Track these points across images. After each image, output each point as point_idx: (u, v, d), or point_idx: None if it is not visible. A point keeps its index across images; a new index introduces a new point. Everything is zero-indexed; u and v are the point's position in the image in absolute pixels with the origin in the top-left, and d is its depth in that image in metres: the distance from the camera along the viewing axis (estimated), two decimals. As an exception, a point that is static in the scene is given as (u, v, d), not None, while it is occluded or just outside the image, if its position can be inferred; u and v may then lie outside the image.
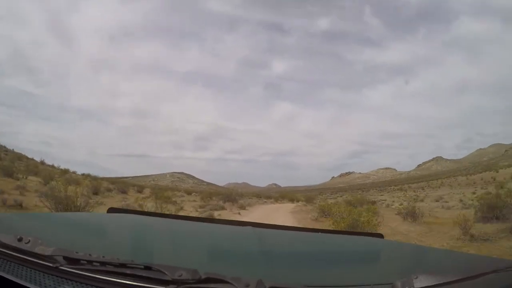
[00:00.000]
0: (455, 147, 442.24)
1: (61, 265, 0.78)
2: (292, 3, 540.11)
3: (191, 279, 0.71)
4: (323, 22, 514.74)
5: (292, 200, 41.50)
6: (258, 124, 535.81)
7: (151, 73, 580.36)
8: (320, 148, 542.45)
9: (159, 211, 10.81)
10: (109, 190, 23.05)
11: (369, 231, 5.33)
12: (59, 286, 0.74)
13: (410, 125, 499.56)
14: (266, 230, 1.79)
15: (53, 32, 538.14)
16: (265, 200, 38.74)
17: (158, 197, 18.21)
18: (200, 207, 18.56)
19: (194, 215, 10.44)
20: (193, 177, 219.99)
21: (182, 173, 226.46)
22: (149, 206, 12.81)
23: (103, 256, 0.80)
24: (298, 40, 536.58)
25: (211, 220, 2.65)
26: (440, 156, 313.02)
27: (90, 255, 0.80)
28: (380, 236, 1.83)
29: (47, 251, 0.80)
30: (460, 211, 12.39)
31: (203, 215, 12.43)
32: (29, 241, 0.84)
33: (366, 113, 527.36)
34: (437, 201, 33.02)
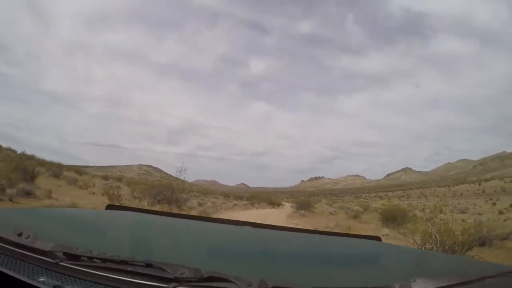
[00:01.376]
0: (423, 159, 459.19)
1: (61, 261, 0.77)
2: (275, 2, 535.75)
3: (193, 278, 0.71)
4: (305, 25, 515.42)
5: (272, 204, 31.80)
6: (232, 122, 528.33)
7: (127, 61, 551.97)
8: (292, 150, 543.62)
9: None
10: None
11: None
12: (59, 282, 0.73)
13: (381, 134, 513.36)
14: (265, 230, 1.81)
15: (27, 9, 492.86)
16: (235, 202, 28.88)
17: None
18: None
19: None
20: (161, 171, 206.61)
21: (150, 166, 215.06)
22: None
23: (103, 253, 0.79)
24: (278, 41, 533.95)
25: (209, 219, 2.46)
26: (409, 167, 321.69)
27: (90, 251, 0.79)
28: (378, 239, 1.83)
29: (47, 247, 0.79)
30: None
31: None
32: (29, 236, 0.82)
33: (339, 119, 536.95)
34: (463, 213, 25.96)
